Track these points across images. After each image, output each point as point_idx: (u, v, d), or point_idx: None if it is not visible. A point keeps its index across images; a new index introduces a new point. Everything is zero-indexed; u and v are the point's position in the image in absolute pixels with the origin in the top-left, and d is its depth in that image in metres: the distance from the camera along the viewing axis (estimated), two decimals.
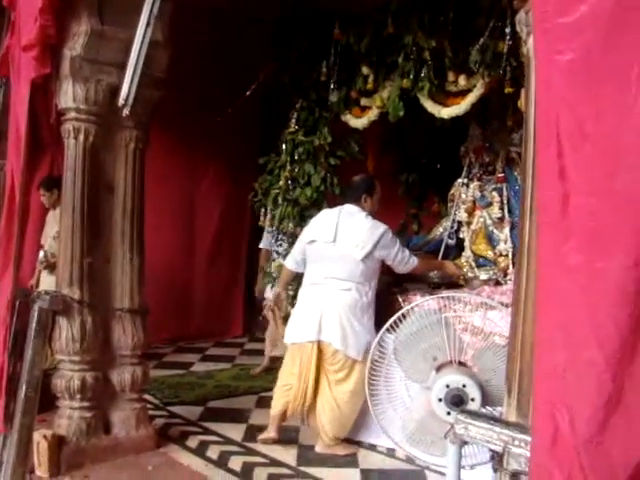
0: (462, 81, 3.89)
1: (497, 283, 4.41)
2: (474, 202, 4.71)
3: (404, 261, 4.06)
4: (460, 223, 4.83)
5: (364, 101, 4.49)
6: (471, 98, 3.90)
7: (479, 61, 3.58)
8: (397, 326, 2.70)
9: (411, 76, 3.98)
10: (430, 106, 4.09)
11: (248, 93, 4.79)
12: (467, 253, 4.74)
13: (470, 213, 4.73)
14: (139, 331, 3.92)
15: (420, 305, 2.70)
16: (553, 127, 1.41)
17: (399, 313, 2.67)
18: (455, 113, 3.99)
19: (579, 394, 1.31)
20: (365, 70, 4.28)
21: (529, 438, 1.53)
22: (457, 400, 2.17)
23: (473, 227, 4.73)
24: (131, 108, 3.75)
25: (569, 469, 1.33)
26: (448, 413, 2.19)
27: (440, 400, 2.19)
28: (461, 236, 4.83)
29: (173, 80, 4.03)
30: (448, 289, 4.58)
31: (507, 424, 1.61)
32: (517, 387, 1.70)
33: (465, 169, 4.77)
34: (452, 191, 4.96)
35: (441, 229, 5.01)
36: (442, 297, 3.13)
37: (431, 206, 5.55)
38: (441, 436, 2.33)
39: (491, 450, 1.65)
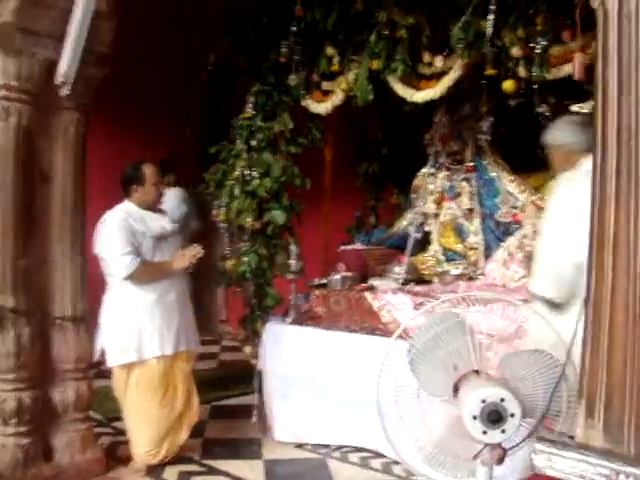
0: (438, 62, 3.60)
1: (469, 278, 4.18)
2: (442, 193, 4.48)
3: (113, 268, 3.44)
4: (425, 215, 4.58)
5: (326, 85, 4.14)
6: (447, 81, 3.61)
7: (462, 39, 3.30)
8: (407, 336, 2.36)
9: (382, 57, 3.67)
10: (401, 90, 3.78)
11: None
12: (435, 247, 4.51)
13: (438, 204, 4.49)
14: (83, 341, 3.45)
15: (431, 309, 2.35)
16: None
17: (405, 324, 2.32)
18: (430, 97, 3.70)
19: None
20: (330, 51, 3.93)
21: None
22: (495, 417, 1.87)
23: (441, 219, 4.49)
24: (71, 87, 3.28)
25: None
26: (484, 432, 1.89)
27: (475, 418, 1.88)
28: (427, 229, 4.59)
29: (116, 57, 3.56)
30: (416, 285, 4.33)
31: (604, 454, 1.32)
32: (603, 406, 1.42)
33: (431, 158, 4.52)
34: (416, 182, 4.71)
35: (405, 222, 4.74)
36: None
37: (389, 198, 5.26)
38: (467, 457, 2.03)
39: None
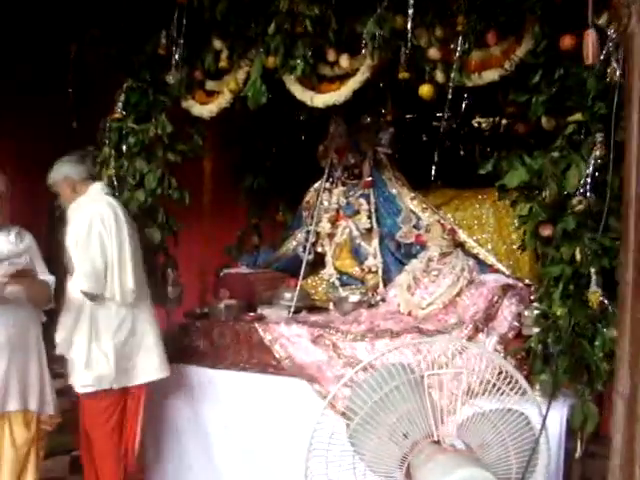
0: (344, 62, 3.18)
1: (370, 305, 3.78)
2: (337, 211, 4.06)
3: None
4: (319, 235, 4.13)
5: (210, 85, 3.60)
6: (354, 84, 3.21)
7: (377, 35, 2.89)
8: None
9: (280, 53, 3.19)
10: (299, 92, 3.33)
11: None
12: (329, 270, 4.08)
13: (333, 223, 4.06)
14: None
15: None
16: None
17: (343, 382, 1.80)
18: (333, 101, 3.27)
19: None
20: (217, 44, 3.40)
21: None
22: None
23: (337, 240, 4.07)
24: None
25: None
26: None
27: None
28: (319, 250, 4.15)
29: None
30: (310, 313, 3.88)
31: None
32: None
33: (326, 172, 4.08)
34: (307, 198, 4.27)
35: (295, 242, 4.27)
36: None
37: (274, 215, 4.76)
38: None
39: None
